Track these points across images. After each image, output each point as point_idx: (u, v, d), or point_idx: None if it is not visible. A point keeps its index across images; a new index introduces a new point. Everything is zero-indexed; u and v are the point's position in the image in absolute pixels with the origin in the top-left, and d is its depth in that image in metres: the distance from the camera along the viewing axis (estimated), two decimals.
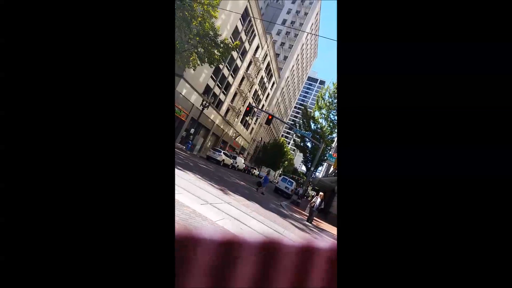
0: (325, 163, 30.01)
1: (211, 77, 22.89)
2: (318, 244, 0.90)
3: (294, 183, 17.98)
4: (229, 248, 0.77)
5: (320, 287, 0.87)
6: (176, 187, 4.76)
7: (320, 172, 38.74)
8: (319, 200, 9.49)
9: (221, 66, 23.36)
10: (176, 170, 6.85)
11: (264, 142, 48.17)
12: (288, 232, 5.85)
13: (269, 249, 0.82)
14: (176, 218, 3.16)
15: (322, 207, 10.07)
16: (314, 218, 9.71)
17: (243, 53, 27.55)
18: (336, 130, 26.57)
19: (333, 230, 9.89)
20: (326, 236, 7.88)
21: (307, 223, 8.95)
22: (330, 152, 26.10)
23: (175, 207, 3.59)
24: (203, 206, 4.46)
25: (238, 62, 27.10)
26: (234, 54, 25.33)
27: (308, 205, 10.25)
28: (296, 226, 7.19)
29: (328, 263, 0.89)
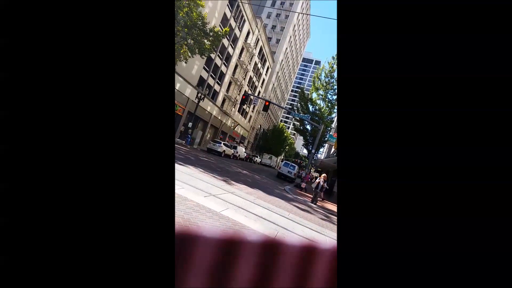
0: (326, 144, 30.06)
1: (204, 68, 22.53)
2: (319, 244, 0.90)
3: (297, 167, 18.11)
4: (229, 247, 0.78)
5: (321, 287, 0.88)
6: (178, 182, 4.82)
7: (321, 154, 38.87)
8: (322, 180, 9.60)
9: (212, 56, 22.93)
10: (177, 165, 6.91)
11: (263, 129, 48.09)
12: (292, 214, 5.97)
13: (270, 249, 0.82)
14: (180, 213, 3.23)
15: (326, 187, 10.20)
16: (318, 198, 9.86)
17: (234, 40, 26.95)
18: (334, 111, 26.41)
19: (335, 208, 10.05)
20: (326, 213, 8.05)
21: (312, 204, 9.11)
22: (331, 133, 26.07)
23: (179, 201, 3.66)
24: (206, 198, 4.53)
25: (230, 50, 26.56)
26: (225, 42, 24.79)
27: (312, 187, 10.36)
28: (300, 208, 7.33)
29: (329, 263, 0.89)
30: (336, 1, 0.95)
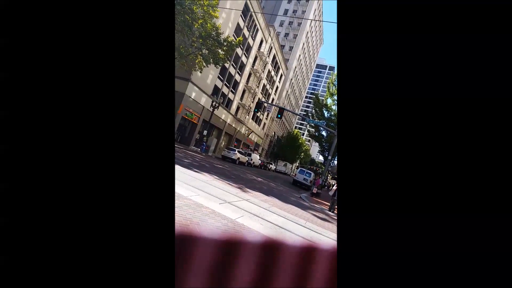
0: None
1: (218, 77, 22.99)
2: (318, 244, 0.90)
3: (313, 174, 17.78)
4: (229, 248, 0.77)
5: (321, 287, 0.87)
6: (193, 188, 4.84)
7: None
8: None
9: (227, 65, 23.39)
10: (192, 172, 6.97)
11: (277, 136, 47.96)
12: (309, 223, 5.79)
13: (270, 249, 0.82)
14: (195, 220, 3.21)
15: None
16: (336, 206, 9.55)
17: (248, 49, 27.40)
18: None
19: None
20: None
21: (329, 212, 8.83)
22: None
23: (194, 208, 3.65)
24: (221, 206, 4.50)
25: (244, 59, 27.00)
26: (239, 51, 25.27)
27: (329, 194, 10.11)
28: (318, 217, 7.11)
29: (329, 263, 0.89)
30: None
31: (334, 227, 6.49)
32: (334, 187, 9.55)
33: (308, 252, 0.87)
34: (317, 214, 7.62)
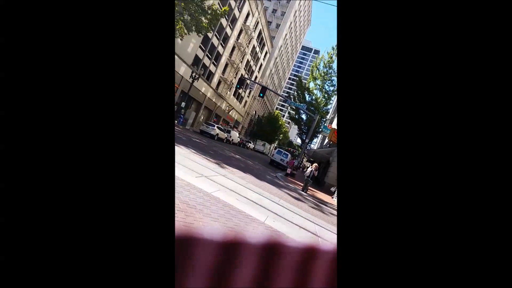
0: (320, 135, 30.16)
1: (200, 47, 21.76)
2: (319, 246, 0.90)
3: (289, 155, 18.16)
4: (230, 249, 0.77)
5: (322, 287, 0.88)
6: None
7: (315, 144, 39.14)
8: (313, 170, 9.64)
9: (209, 35, 22.09)
10: None
11: (258, 115, 47.74)
12: (283, 201, 5.95)
13: (270, 250, 0.82)
14: None
15: (316, 176, 10.29)
16: (309, 187, 9.93)
17: (233, 21, 25.99)
18: (331, 101, 26.32)
19: (326, 198, 10.20)
20: (316, 201, 8.11)
21: (302, 192, 9.16)
22: (325, 124, 26.11)
23: None
24: (198, 179, 4.41)
25: (228, 30, 25.65)
26: (223, 21, 23.87)
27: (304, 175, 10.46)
28: (291, 196, 7.33)
29: (330, 266, 0.90)
30: None
31: (306, 206, 6.76)
32: (309, 169, 9.86)
33: (309, 254, 0.87)
34: (290, 193, 7.86)
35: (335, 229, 5.43)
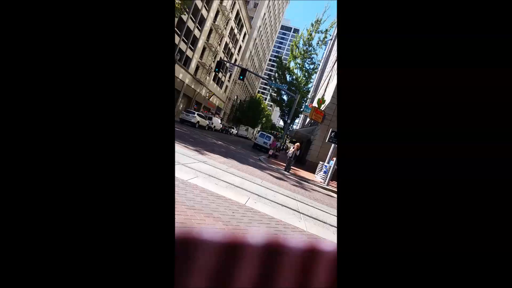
0: (302, 115, 30.41)
1: (175, 31, 20.68)
2: (321, 246, 0.91)
3: (272, 138, 18.30)
4: (230, 250, 0.78)
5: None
6: None
7: (297, 125, 39.54)
8: (295, 149, 9.79)
9: (184, 18, 20.98)
10: None
11: (240, 100, 47.11)
12: (265, 181, 6.03)
13: (271, 251, 0.82)
14: None
15: (298, 155, 10.48)
16: (292, 166, 10.12)
17: (208, 2, 24.73)
18: (311, 80, 26.37)
19: (309, 175, 10.48)
20: (298, 179, 8.32)
21: (285, 172, 9.33)
22: (306, 103, 26.29)
23: None
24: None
25: (204, 12, 24.46)
26: (198, 3, 22.66)
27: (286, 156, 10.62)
28: (274, 176, 7.45)
29: (331, 265, 0.91)
30: None
31: (287, 184, 6.91)
32: (291, 149, 10.00)
33: (310, 254, 0.88)
34: (273, 173, 7.98)
35: (317, 204, 5.63)
